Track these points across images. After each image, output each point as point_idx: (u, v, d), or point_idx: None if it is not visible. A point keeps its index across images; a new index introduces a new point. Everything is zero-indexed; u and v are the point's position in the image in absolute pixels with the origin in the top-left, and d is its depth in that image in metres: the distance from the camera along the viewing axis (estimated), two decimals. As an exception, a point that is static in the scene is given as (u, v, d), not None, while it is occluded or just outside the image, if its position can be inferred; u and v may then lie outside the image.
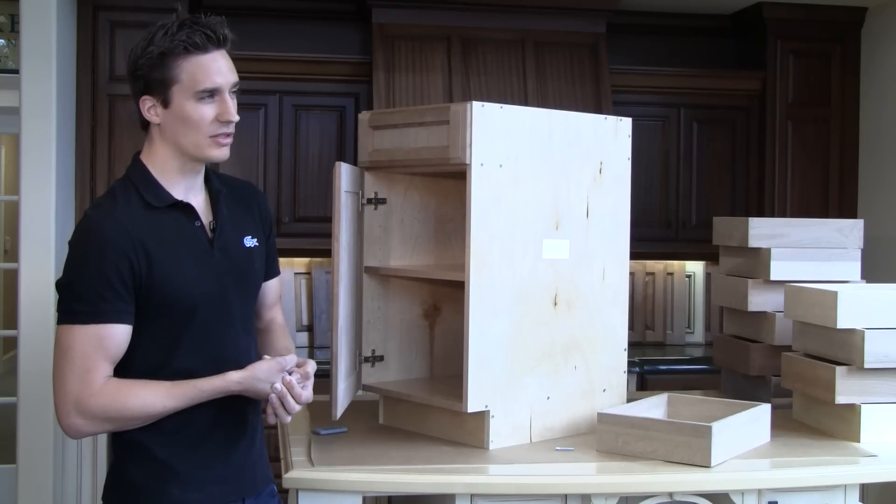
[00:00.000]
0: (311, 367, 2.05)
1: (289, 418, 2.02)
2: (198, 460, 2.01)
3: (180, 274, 1.96)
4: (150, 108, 1.99)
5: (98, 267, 1.90)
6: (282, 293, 2.41)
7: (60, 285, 1.94)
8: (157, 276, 1.93)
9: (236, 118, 2.00)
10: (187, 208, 2.02)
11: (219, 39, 1.97)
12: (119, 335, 1.92)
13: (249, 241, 2.12)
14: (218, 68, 1.97)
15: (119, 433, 2.00)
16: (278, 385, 1.98)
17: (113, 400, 1.90)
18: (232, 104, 2.00)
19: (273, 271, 2.27)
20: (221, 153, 2.02)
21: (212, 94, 1.97)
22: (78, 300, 1.91)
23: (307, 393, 2.03)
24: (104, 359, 1.91)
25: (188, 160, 2.02)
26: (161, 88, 1.96)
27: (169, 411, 1.94)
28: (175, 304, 1.96)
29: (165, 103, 1.97)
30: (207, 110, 1.97)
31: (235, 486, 2.06)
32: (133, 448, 1.99)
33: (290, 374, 2.01)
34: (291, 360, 2.02)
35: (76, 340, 1.90)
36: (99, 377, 1.90)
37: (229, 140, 2.02)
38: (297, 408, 2.01)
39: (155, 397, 1.92)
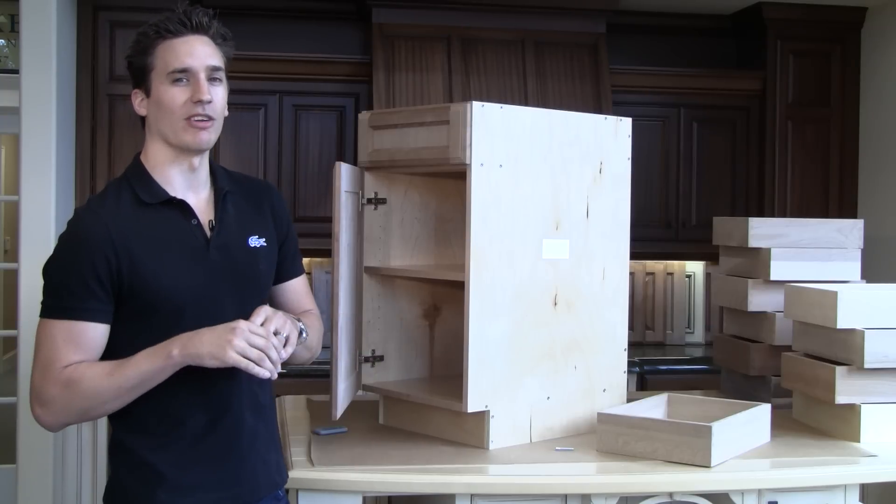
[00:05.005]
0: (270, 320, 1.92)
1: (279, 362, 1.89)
2: (189, 465, 1.96)
3: (167, 273, 1.93)
4: (140, 101, 2.02)
5: (74, 264, 1.89)
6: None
7: (43, 278, 1.94)
8: (140, 275, 1.91)
9: (208, 97, 1.95)
10: (182, 205, 2.00)
11: (193, 25, 1.98)
12: (90, 333, 1.90)
13: (255, 241, 2.07)
14: (189, 50, 1.96)
15: (111, 436, 2.00)
16: (259, 337, 1.87)
17: (64, 384, 1.87)
18: (207, 86, 1.96)
19: (294, 271, 2.22)
20: (198, 139, 1.97)
21: (184, 76, 1.96)
22: (52, 295, 1.91)
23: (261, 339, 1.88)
24: (73, 352, 1.88)
25: (178, 152, 2.00)
26: (143, 77, 1.99)
27: (118, 391, 1.87)
28: (162, 303, 1.92)
29: (148, 92, 1.99)
30: (179, 93, 1.96)
31: (231, 492, 2.01)
32: (123, 452, 1.98)
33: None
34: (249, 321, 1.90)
35: (46, 334, 1.90)
36: (59, 367, 1.88)
37: (206, 124, 1.97)
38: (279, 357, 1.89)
39: (99, 375, 1.87)
